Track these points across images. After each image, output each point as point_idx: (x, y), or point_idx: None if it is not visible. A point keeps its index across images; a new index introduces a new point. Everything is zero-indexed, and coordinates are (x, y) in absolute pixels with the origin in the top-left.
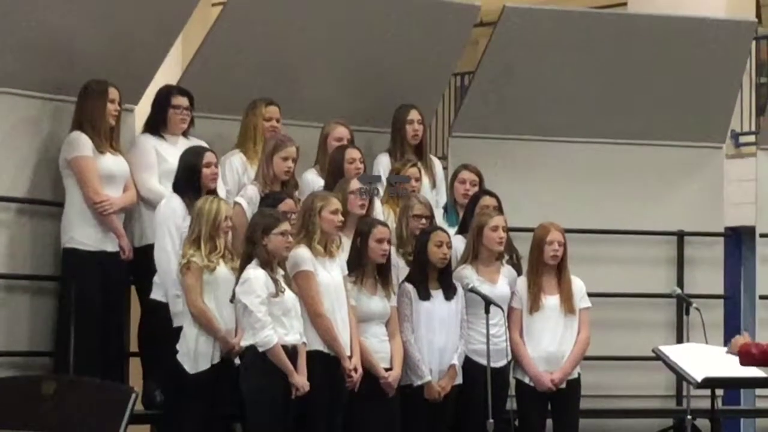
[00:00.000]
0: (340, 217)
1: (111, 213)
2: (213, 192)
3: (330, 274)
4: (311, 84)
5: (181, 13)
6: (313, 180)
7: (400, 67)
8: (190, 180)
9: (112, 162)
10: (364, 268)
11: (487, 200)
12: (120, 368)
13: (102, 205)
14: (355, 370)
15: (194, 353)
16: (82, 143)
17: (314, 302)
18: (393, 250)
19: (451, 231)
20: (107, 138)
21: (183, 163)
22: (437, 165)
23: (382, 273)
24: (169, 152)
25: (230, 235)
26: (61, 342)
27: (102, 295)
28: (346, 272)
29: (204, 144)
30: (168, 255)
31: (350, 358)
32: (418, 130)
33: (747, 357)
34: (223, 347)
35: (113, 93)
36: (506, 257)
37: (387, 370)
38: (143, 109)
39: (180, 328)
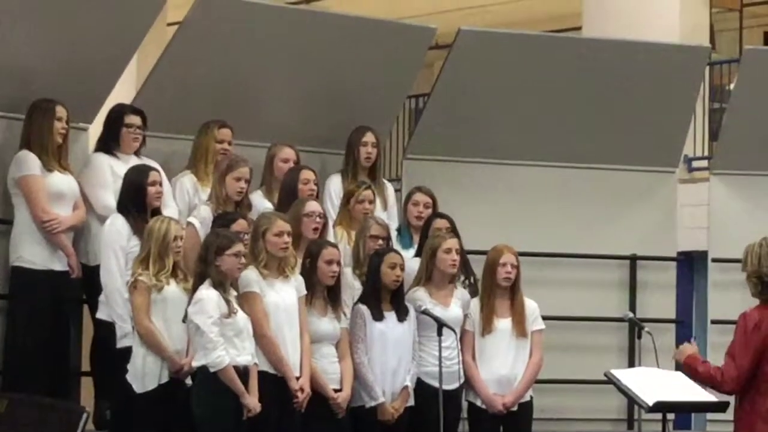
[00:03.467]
0: (286, 239)
1: (59, 231)
2: (158, 211)
3: (279, 295)
4: (266, 105)
5: (136, 32)
6: (259, 202)
7: (355, 89)
8: (135, 199)
9: (60, 180)
10: (314, 289)
11: (440, 223)
12: (71, 387)
13: (50, 224)
14: (302, 390)
15: (141, 373)
16: (30, 162)
17: (260, 324)
18: (349, 271)
19: (405, 253)
20: (55, 156)
21: (127, 182)
22: (389, 188)
23: (332, 294)
24: (122, 170)
25: (180, 255)
26: (8, 360)
27: (50, 314)
28: (304, 292)
29: (154, 163)
30: (113, 275)
31: (298, 378)
32: (371, 152)
33: (691, 372)
34: (171, 367)
35: (60, 111)
36: (462, 279)
37: (337, 391)
38: (97, 128)
39: (126, 349)
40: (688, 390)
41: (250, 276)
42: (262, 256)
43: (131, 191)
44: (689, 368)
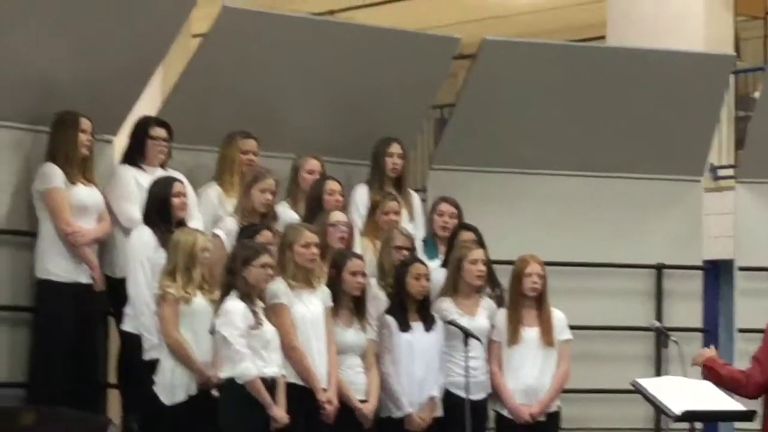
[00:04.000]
0: (314, 250)
1: (83, 244)
2: (183, 222)
3: (307, 307)
4: (291, 116)
5: (160, 44)
6: (285, 213)
7: (379, 100)
8: (160, 211)
9: (84, 193)
10: (340, 300)
11: (466, 235)
12: (98, 399)
13: (74, 237)
14: (330, 402)
15: (170, 384)
16: (54, 174)
17: (288, 335)
18: (374, 282)
19: (431, 263)
20: (80, 169)
21: (152, 194)
22: (415, 198)
23: (358, 305)
24: (147, 182)
25: (207, 267)
26: (35, 373)
27: (76, 326)
28: (330, 304)
29: (178, 174)
30: (140, 287)
31: (326, 390)
32: (397, 163)
33: (713, 375)
34: (199, 379)
35: (84, 123)
36: (488, 290)
37: (363, 401)
38: (122, 140)
39: (153, 361)
40: (715, 399)
41: (278, 287)
42: (290, 267)
43: (156, 203)
44: (710, 371)
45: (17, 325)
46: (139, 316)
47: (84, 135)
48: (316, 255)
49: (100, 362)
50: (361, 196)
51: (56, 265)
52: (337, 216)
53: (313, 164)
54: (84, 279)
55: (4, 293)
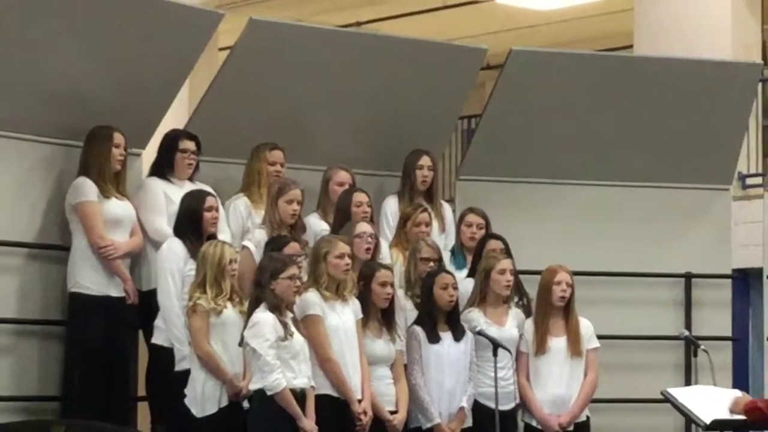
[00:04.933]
0: (347, 261)
1: (116, 257)
2: (214, 236)
3: (340, 318)
4: (318, 128)
5: (188, 58)
6: (315, 224)
7: (406, 110)
8: (192, 224)
9: (117, 207)
10: (368, 311)
11: (493, 244)
12: (128, 412)
13: (106, 250)
14: (365, 413)
15: (201, 397)
16: (87, 188)
17: (322, 347)
18: (401, 293)
19: (459, 274)
20: (113, 183)
21: (184, 207)
22: (447, 209)
23: (387, 316)
24: (176, 195)
25: (236, 278)
26: (68, 386)
27: (107, 340)
28: (361, 315)
29: (208, 188)
30: (171, 298)
31: (360, 401)
32: (427, 176)
33: (754, 412)
34: (230, 390)
35: (118, 138)
36: (515, 300)
37: (392, 412)
38: (150, 153)
39: (184, 372)
40: None
41: (312, 298)
42: (324, 278)
43: (188, 216)
44: (752, 411)
45: (48, 339)
46: (170, 327)
47: (117, 149)
48: (349, 266)
49: (130, 375)
50: (392, 207)
51: (88, 279)
52: (363, 227)
53: (343, 176)
54: (115, 292)
55: (35, 307)
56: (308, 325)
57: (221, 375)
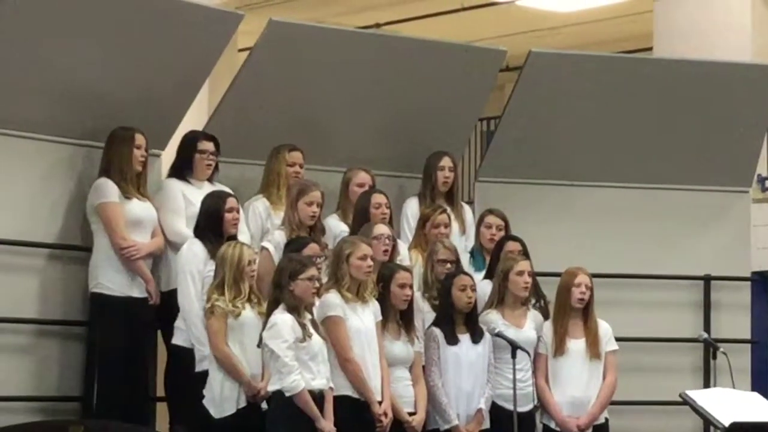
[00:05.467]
0: (370, 263)
1: (138, 258)
2: (234, 237)
3: (361, 320)
4: (338, 129)
5: (208, 59)
6: (335, 225)
7: (426, 112)
8: (212, 225)
9: (139, 207)
10: (387, 312)
11: (511, 245)
12: (147, 412)
13: (129, 251)
14: (386, 414)
15: (219, 398)
16: (108, 189)
17: (343, 347)
18: (418, 294)
19: (478, 276)
20: (134, 184)
21: (205, 208)
22: (467, 211)
23: (405, 318)
24: (195, 196)
25: (254, 280)
26: (88, 387)
27: (128, 340)
28: (380, 317)
29: (227, 189)
30: (191, 300)
31: (380, 402)
32: (448, 177)
33: None
34: (248, 392)
35: (140, 139)
36: (533, 302)
37: (411, 414)
38: (170, 154)
39: (204, 373)
40: (764, 410)
41: (333, 300)
42: (346, 279)
43: (208, 217)
44: None
45: (69, 339)
46: (191, 327)
47: (138, 151)
48: (371, 267)
49: (150, 376)
50: (413, 209)
51: (109, 279)
52: (380, 229)
53: (363, 177)
54: (136, 293)
55: (56, 307)
56: (329, 327)
57: (239, 376)
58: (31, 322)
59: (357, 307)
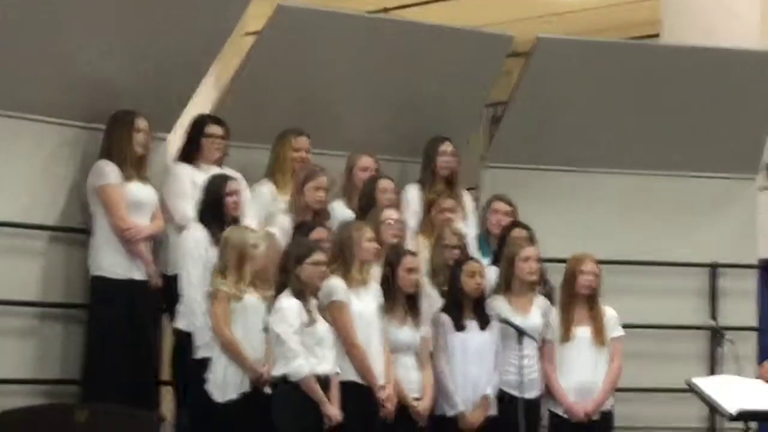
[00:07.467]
0: (376, 245)
1: (138, 240)
2: (236, 220)
3: (363, 303)
4: (345, 113)
5: (215, 42)
6: (340, 211)
7: (433, 97)
8: (214, 209)
9: (139, 190)
10: (394, 297)
11: (517, 232)
12: (153, 396)
13: (129, 233)
14: (389, 399)
15: (223, 382)
16: (109, 171)
17: (348, 333)
18: (426, 280)
19: (485, 261)
20: (134, 166)
21: (206, 192)
22: (467, 197)
23: (411, 303)
24: (202, 180)
25: (258, 264)
26: (89, 370)
27: (130, 323)
28: (382, 300)
29: (235, 173)
30: (192, 284)
31: (383, 387)
32: (449, 161)
33: None
34: (251, 376)
35: (140, 122)
36: (539, 288)
37: (417, 399)
38: (176, 137)
39: (202, 360)
40: None
41: (338, 284)
42: (354, 263)
43: (210, 201)
44: None
45: (70, 322)
46: (191, 314)
47: (139, 134)
48: (378, 250)
49: (153, 359)
50: (412, 195)
51: (110, 262)
52: (389, 213)
53: (367, 161)
54: (138, 276)
55: (57, 290)
56: (333, 311)
57: (242, 360)
58: (32, 305)
59: (360, 291)
